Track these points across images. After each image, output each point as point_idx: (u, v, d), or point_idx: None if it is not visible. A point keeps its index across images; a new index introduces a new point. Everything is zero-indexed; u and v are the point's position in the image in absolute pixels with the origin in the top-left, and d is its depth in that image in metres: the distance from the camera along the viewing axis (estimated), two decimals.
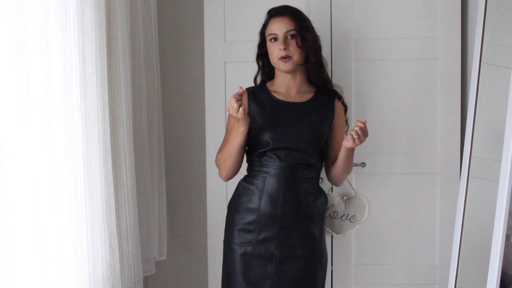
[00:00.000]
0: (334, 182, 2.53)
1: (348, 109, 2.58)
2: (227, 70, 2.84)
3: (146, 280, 2.90)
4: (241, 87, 2.27)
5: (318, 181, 2.48)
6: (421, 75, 2.81)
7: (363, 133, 2.27)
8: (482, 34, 2.49)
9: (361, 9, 2.80)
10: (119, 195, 2.27)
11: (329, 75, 2.67)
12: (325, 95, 2.48)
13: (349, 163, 2.44)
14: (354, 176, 2.83)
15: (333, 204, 2.76)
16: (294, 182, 2.37)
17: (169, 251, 2.95)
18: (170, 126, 3.09)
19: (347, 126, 2.58)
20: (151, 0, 2.70)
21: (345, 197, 2.81)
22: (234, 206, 2.46)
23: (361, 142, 2.28)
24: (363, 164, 2.81)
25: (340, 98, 2.51)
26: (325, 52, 2.72)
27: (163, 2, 3.02)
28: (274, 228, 2.37)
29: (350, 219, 2.80)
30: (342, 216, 2.80)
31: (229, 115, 2.45)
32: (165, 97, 3.01)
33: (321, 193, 2.47)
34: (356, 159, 2.80)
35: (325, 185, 2.65)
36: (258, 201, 2.38)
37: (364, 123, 2.27)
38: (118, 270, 2.18)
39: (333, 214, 2.78)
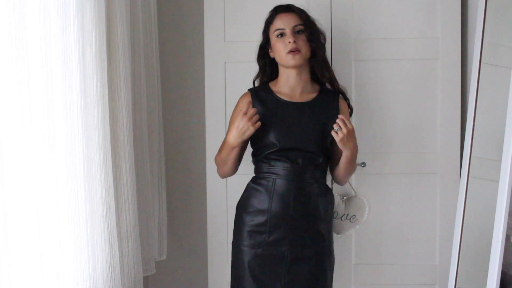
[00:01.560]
0: (337, 181, 2.56)
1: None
2: (227, 70, 2.84)
3: (146, 280, 2.90)
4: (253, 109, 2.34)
5: (325, 180, 2.49)
6: (421, 75, 2.81)
7: (344, 124, 2.28)
8: (482, 34, 2.49)
9: (361, 9, 2.80)
10: (119, 195, 2.27)
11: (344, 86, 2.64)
12: (329, 94, 2.48)
13: (352, 165, 2.45)
14: (354, 176, 2.82)
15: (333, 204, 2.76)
16: (304, 182, 2.38)
17: (169, 251, 2.95)
18: (170, 126, 3.09)
19: None
20: (151, 0, 2.70)
21: (345, 197, 2.81)
22: (244, 208, 2.45)
23: (345, 135, 2.27)
24: (363, 164, 2.81)
25: (346, 99, 2.52)
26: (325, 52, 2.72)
27: (163, 2, 3.02)
28: (285, 229, 2.37)
29: (350, 219, 2.80)
30: (342, 216, 2.80)
31: (232, 116, 2.46)
32: (165, 97, 3.01)
33: (328, 192, 2.48)
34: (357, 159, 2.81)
35: None
36: (269, 203, 2.38)
37: (341, 118, 2.29)
38: (118, 270, 2.18)
39: (333, 214, 2.78)
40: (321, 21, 2.56)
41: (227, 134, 2.44)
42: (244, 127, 2.31)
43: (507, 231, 2.21)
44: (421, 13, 2.79)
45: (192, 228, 3.15)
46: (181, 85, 3.13)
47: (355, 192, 2.82)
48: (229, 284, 2.66)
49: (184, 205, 3.15)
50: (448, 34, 2.78)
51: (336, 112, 2.44)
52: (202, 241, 3.03)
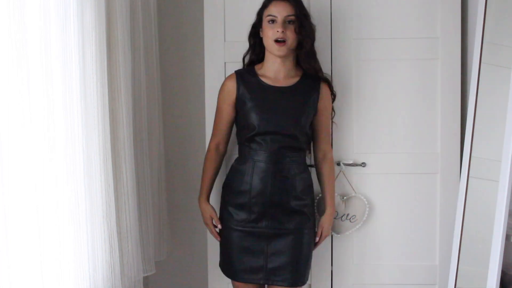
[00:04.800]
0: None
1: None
2: (227, 70, 2.84)
3: (146, 280, 2.90)
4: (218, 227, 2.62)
5: (305, 161, 2.58)
6: (421, 75, 2.81)
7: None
8: (482, 34, 2.49)
9: (361, 9, 2.80)
10: (119, 195, 2.27)
11: (329, 73, 2.72)
12: (311, 78, 2.54)
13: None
14: (354, 176, 2.83)
15: None
16: (281, 165, 2.48)
17: (169, 251, 2.95)
18: (170, 126, 3.09)
19: (333, 113, 2.65)
20: (151, 0, 2.69)
21: (345, 197, 2.80)
22: (228, 188, 2.60)
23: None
24: (363, 164, 2.81)
25: (329, 83, 2.58)
26: (325, 52, 2.73)
27: (163, 2, 3.02)
28: (265, 208, 2.48)
29: (350, 219, 2.80)
30: (342, 216, 2.79)
31: (219, 97, 2.59)
32: (165, 97, 3.01)
33: (306, 170, 2.58)
34: (356, 159, 2.81)
35: None
36: (249, 184, 2.49)
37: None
38: (118, 270, 2.18)
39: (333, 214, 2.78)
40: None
41: (215, 121, 2.59)
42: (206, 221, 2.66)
43: (507, 231, 2.21)
44: (421, 13, 2.79)
45: (192, 228, 3.15)
46: (181, 85, 3.13)
47: (355, 192, 2.81)
48: (229, 284, 2.69)
49: (184, 205, 3.15)
50: (448, 34, 2.78)
51: (317, 95, 2.52)
52: (202, 241, 3.03)
